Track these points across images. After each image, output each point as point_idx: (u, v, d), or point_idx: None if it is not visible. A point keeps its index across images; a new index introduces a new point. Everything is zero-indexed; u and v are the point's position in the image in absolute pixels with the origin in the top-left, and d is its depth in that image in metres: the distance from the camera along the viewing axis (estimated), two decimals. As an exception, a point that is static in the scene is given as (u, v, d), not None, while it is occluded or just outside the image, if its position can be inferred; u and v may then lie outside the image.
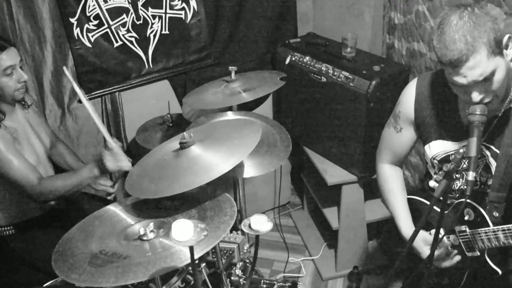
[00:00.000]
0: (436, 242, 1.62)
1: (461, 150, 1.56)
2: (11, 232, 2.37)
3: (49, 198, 2.29)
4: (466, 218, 1.82)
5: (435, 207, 1.88)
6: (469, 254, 1.86)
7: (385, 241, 3.33)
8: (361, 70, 2.69)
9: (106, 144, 2.23)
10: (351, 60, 2.83)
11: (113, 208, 1.93)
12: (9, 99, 2.26)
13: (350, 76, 2.71)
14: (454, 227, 1.86)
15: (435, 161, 1.94)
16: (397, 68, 2.77)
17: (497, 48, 1.52)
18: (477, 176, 1.83)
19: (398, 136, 2.05)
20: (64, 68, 2.27)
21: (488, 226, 1.76)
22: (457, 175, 1.93)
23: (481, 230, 1.77)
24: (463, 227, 1.84)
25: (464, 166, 1.78)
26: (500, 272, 1.80)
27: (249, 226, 1.53)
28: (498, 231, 1.72)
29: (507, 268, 1.85)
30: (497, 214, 1.77)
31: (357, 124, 2.75)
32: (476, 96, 1.59)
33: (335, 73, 2.78)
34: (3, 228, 2.36)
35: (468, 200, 1.51)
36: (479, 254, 1.83)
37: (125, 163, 2.20)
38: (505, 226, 1.70)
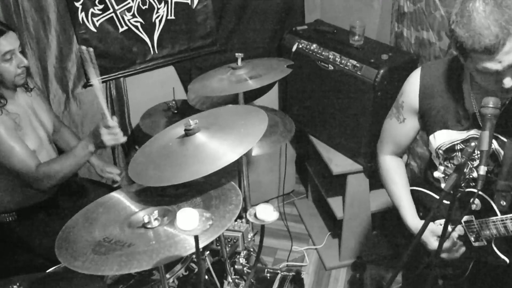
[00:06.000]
0: (444, 236, 1.60)
1: (473, 144, 1.53)
2: (14, 218, 2.36)
3: (48, 183, 2.24)
4: (473, 207, 1.80)
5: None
6: (475, 244, 1.84)
7: (389, 231, 3.34)
8: (369, 59, 2.66)
9: (104, 121, 2.14)
10: (358, 48, 2.80)
11: (117, 195, 1.91)
12: (10, 84, 2.24)
13: (357, 65, 2.68)
14: (462, 218, 1.84)
15: (440, 151, 1.91)
16: (406, 57, 2.73)
17: None
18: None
19: (401, 126, 2.02)
20: (84, 48, 2.25)
21: (496, 215, 1.74)
22: None
23: (488, 220, 1.76)
24: (470, 217, 1.82)
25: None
26: (507, 261, 1.78)
27: (255, 215, 1.52)
28: (506, 220, 1.70)
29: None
30: (505, 203, 1.75)
31: (364, 113, 2.73)
32: (508, 81, 1.53)
33: (343, 61, 2.76)
34: (5, 214, 2.35)
35: (479, 192, 1.48)
36: (485, 243, 1.81)
37: (122, 139, 2.19)
38: None
